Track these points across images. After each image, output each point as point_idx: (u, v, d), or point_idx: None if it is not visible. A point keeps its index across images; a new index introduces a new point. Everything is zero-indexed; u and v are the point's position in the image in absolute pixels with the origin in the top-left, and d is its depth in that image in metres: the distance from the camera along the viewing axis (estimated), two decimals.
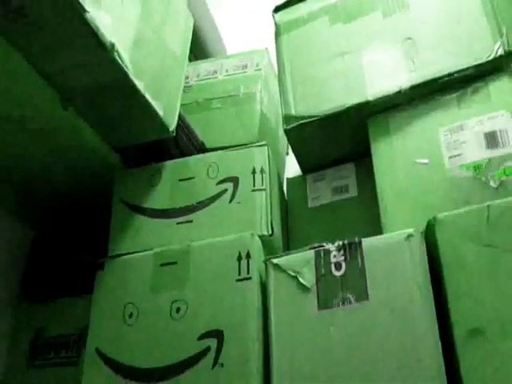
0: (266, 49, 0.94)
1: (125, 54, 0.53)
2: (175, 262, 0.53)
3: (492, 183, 0.51)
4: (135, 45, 0.57)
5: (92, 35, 0.49)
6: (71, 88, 0.57)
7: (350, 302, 0.44)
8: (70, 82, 0.56)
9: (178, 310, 0.50)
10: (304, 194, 0.70)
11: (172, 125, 0.64)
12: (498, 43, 0.57)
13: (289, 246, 0.65)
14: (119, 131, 0.64)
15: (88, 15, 0.47)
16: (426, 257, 0.45)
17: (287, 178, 0.75)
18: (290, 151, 0.92)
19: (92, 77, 0.55)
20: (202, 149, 0.76)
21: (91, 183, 0.67)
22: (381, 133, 0.62)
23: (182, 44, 0.72)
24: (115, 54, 0.51)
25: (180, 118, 0.71)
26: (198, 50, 1.28)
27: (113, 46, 0.51)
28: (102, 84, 0.56)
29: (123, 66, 0.53)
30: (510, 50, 0.57)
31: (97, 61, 0.52)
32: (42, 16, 0.47)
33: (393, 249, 0.45)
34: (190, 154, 0.69)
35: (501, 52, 0.57)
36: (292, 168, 0.81)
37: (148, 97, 0.58)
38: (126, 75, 0.54)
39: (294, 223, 0.68)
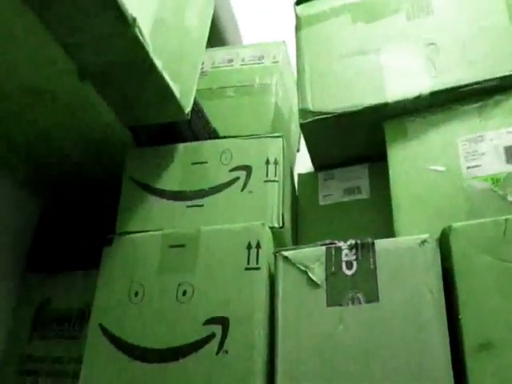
0: (284, 42, 0.93)
1: (146, 30, 0.53)
2: (184, 245, 0.53)
3: (510, 197, 0.51)
4: (155, 24, 0.56)
5: (115, 7, 0.48)
6: (90, 61, 0.56)
7: (360, 302, 0.44)
8: (88, 56, 0.55)
9: (185, 292, 0.50)
10: (315, 191, 0.70)
11: (187, 107, 0.63)
12: None
13: (297, 242, 0.65)
14: (134, 110, 0.64)
15: None
16: (439, 263, 0.44)
17: (299, 174, 0.75)
18: (301, 148, 0.92)
19: (111, 51, 0.54)
20: (214, 136, 0.75)
21: (102, 159, 0.67)
22: (398, 137, 0.62)
23: (201, 28, 0.71)
24: (136, 28, 0.50)
25: (194, 102, 0.70)
26: (214, 37, 1.27)
27: (134, 20, 0.50)
28: (120, 60, 0.55)
29: (143, 41, 0.52)
30: None
31: (117, 35, 0.51)
32: None
33: (406, 253, 0.45)
34: (203, 139, 0.68)
35: None
36: (301, 166, 0.81)
37: (166, 76, 0.57)
38: (145, 52, 0.53)
39: (303, 219, 0.68)
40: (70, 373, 0.58)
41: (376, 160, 0.69)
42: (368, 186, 0.67)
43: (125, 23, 0.50)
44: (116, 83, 0.59)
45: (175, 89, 0.60)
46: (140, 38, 0.52)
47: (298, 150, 0.92)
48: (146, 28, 0.53)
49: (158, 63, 0.56)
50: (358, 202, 0.66)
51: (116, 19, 0.50)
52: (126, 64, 0.56)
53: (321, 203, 0.68)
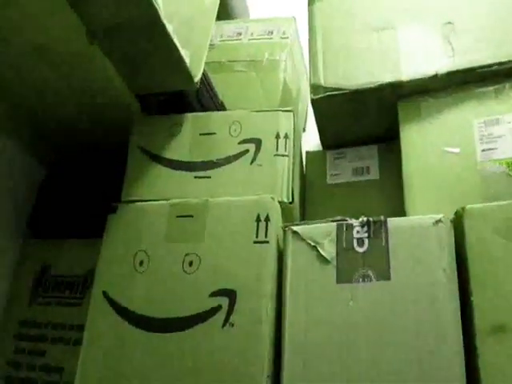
0: (294, 17, 0.91)
1: None
2: (191, 216, 0.52)
3: None
4: None
5: None
6: (99, 21, 0.54)
7: (371, 280, 0.43)
8: (99, 16, 0.53)
9: (191, 263, 0.49)
10: (323, 170, 0.69)
11: (197, 76, 0.62)
12: None
13: (304, 220, 0.64)
14: (143, 76, 0.62)
15: None
16: (453, 243, 0.44)
17: (307, 152, 0.74)
18: (308, 128, 0.91)
19: (123, 12, 0.53)
20: (221, 109, 0.74)
21: (108, 126, 0.65)
22: (411, 116, 0.60)
23: None
24: None
25: (203, 73, 0.68)
26: (221, 10, 1.24)
27: None
28: (132, 21, 0.53)
29: (154, 2, 0.50)
30: None
31: None
32: None
33: (419, 232, 0.44)
34: (211, 111, 0.67)
35: None
36: (307, 146, 0.80)
37: (176, 41, 0.56)
38: (156, 13, 0.52)
39: (311, 197, 0.67)
40: (71, 339, 0.58)
41: (386, 141, 0.68)
42: (377, 166, 0.66)
43: None
44: (125, 46, 0.57)
45: (185, 55, 0.59)
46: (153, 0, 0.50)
47: (303, 130, 0.91)
48: None
49: (169, 27, 0.55)
50: (367, 183, 0.65)
51: None
52: (137, 26, 0.54)
53: (329, 182, 0.67)
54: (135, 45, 0.57)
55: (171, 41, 0.56)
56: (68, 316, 0.59)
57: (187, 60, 0.60)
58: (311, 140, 0.80)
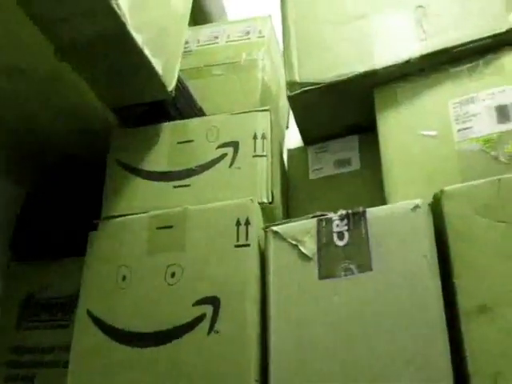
0: (270, 16, 0.91)
1: (124, 5, 0.51)
2: (171, 226, 0.52)
3: (502, 158, 0.49)
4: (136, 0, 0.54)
5: None
6: (67, 38, 0.54)
7: (353, 273, 0.43)
8: (65, 32, 0.53)
9: (173, 274, 0.49)
10: (305, 166, 0.68)
11: (171, 85, 0.62)
12: None
13: (288, 218, 0.63)
14: (116, 89, 0.62)
15: None
16: (432, 228, 0.43)
17: (288, 149, 0.73)
18: (291, 125, 0.90)
19: (89, 27, 0.53)
20: (200, 114, 0.74)
21: (86, 142, 0.65)
22: (388, 103, 0.60)
23: (183, 3, 0.69)
24: (113, 2, 0.49)
25: (179, 80, 0.68)
26: (199, 14, 1.24)
27: None
28: (99, 36, 0.54)
29: (121, 15, 0.50)
30: None
31: (95, 9, 0.50)
32: None
33: (398, 219, 0.44)
34: (190, 118, 0.66)
35: None
36: (291, 143, 0.79)
37: (147, 52, 0.56)
38: (123, 26, 0.52)
39: (294, 195, 0.67)
40: (60, 362, 0.57)
41: (367, 130, 0.67)
42: (358, 157, 0.66)
43: None
44: (95, 61, 0.58)
45: (157, 65, 0.59)
46: (117, 11, 0.51)
47: (287, 127, 0.90)
48: (125, 2, 0.51)
49: (138, 38, 0.55)
50: (349, 174, 0.65)
51: None
52: (105, 40, 0.54)
53: (311, 177, 0.67)
54: (105, 58, 0.57)
55: (141, 52, 0.56)
56: (57, 338, 0.58)
57: (159, 69, 0.60)
58: (295, 137, 0.80)
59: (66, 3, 0.49)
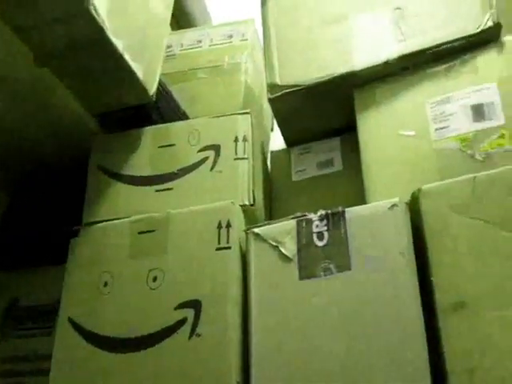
0: (253, 19, 0.91)
1: (102, 10, 0.51)
2: (153, 230, 0.51)
3: (478, 156, 0.50)
4: (114, 3, 0.54)
5: None
6: (46, 45, 0.54)
7: (332, 272, 0.43)
8: (44, 39, 0.53)
9: (155, 278, 0.49)
10: (288, 168, 0.69)
11: (152, 89, 0.62)
12: (488, 15, 0.56)
13: (272, 219, 0.64)
14: (97, 94, 0.62)
15: None
16: (409, 226, 0.44)
17: (271, 151, 0.74)
18: (276, 127, 0.90)
19: (69, 34, 0.53)
20: (184, 118, 0.74)
21: (67, 148, 0.65)
22: (367, 104, 0.61)
23: (164, 5, 0.69)
24: (91, 7, 0.49)
25: (161, 84, 0.68)
26: (183, 18, 1.24)
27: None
28: (78, 41, 0.54)
29: (99, 21, 0.50)
30: (498, 22, 0.56)
31: (73, 15, 0.50)
32: None
33: (376, 218, 0.45)
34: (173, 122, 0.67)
35: (490, 24, 0.56)
36: (277, 145, 0.80)
37: (127, 57, 0.56)
38: (103, 32, 0.52)
39: (277, 197, 0.67)
40: (46, 371, 0.57)
41: (349, 131, 0.68)
42: (340, 157, 0.66)
43: (79, 2, 0.48)
44: (75, 67, 0.58)
45: (137, 69, 0.59)
46: (96, 16, 0.50)
47: (271, 130, 0.91)
48: (103, 7, 0.51)
49: (118, 44, 0.55)
50: (332, 175, 0.65)
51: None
52: (85, 46, 0.54)
53: (294, 179, 0.67)
54: (86, 64, 0.57)
55: (121, 57, 0.56)
56: (41, 346, 0.58)
57: (140, 74, 0.60)
58: (281, 139, 0.80)
59: (41, 10, 0.49)
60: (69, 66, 0.57)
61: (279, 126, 0.71)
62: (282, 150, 0.72)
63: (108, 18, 0.52)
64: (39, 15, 0.50)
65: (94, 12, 0.50)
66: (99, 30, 0.52)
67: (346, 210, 0.46)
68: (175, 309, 0.47)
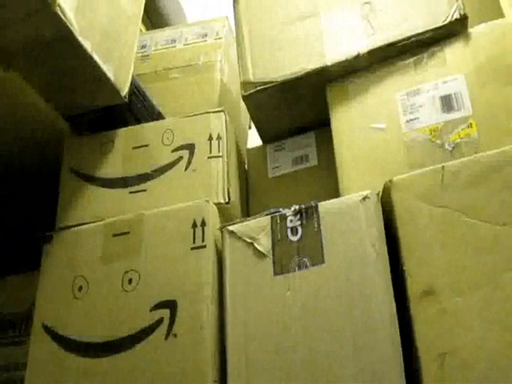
0: (227, 17, 0.91)
1: (69, 11, 0.50)
2: (128, 232, 0.51)
3: (447, 146, 0.51)
4: (83, 3, 0.53)
5: None
6: (12, 47, 0.53)
7: (306, 266, 0.44)
8: (10, 40, 0.52)
9: (130, 281, 0.48)
10: (264, 165, 0.69)
11: (124, 90, 0.61)
12: (454, 7, 0.57)
13: (250, 216, 0.64)
14: (67, 96, 0.61)
15: None
16: (381, 217, 0.44)
17: (247, 149, 0.74)
18: (253, 125, 0.91)
19: (34, 34, 0.52)
20: (159, 118, 0.73)
21: (38, 152, 0.64)
22: (339, 98, 0.61)
23: (135, 5, 0.68)
24: (57, 8, 0.48)
25: (135, 84, 0.68)
26: (157, 18, 1.23)
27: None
28: (45, 43, 0.53)
29: (67, 22, 0.49)
30: (465, 14, 0.57)
31: (38, 16, 0.49)
32: None
33: (348, 210, 0.45)
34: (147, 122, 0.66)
35: (456, 16, 0.57)
36: (254, 142, 0.80)
37: (96, 58, 0.55)
38: (70, 33, 0.51)
39: (254, 194, 0.67)
40: (17, 380, 0.56)
41: (324, 126, 0.68)
42: (316, 153, 0.67)
43: (44, 3, 0.48)
44: (44, 68, 0.57)
45: (108, 70, 0.58)
46: (63, 17, 0.50)
47: (249, 127, 0.91)
48: (70, 8, 0.51)
49: (87, 44, 0.54)
50: (307, 170, 0.66)
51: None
52: (53, 47, 0.53)
53: (270, 176, 0.68)
54: (55, 66, 0.56)
55: (90, 57, 0.55)
56: (13, 355, 0.57)
57: (111, 75, 0.59)
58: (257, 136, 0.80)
59: (4, 9, 0.48)
60: (36, 68, 0.56)
61: (254, 123, 0.71)
62: (258, 146, 0.72)
63: (76, 20, 0.51)
64: (5, 15, 0.49)
65: (60, 13, 0.49)
66: (67, 32, 0.51)
67: (319, 204, 0.47)
68: (151, 310, 0.46)
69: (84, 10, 0.53)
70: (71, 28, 0.51)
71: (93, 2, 0.56)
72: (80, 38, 0.53)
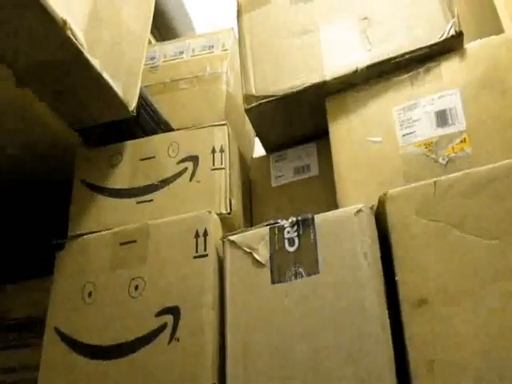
0: (232, 28, 0.93)
1: (79, 31, 0.53)
2: (135, 241, 0.54)
3: (441, 160, 0.53)
4: (91, 22, 0.56)
5: (42, 11, 0.48)
6: (26, 66, 0.56)
7: (302, 276, 0.46)
8: (24, 60, 0.55)
9: (137, 287, 0.51)
10: (268, 174, 0.71)
11: (132, 104, 0.63)
12: (450, 24, 0.59)
13: (253, 226, 0.66)
14: (77, 111, 0.64)
15: None
16: (374, 228, 0.46)
17: (251, 158, 0.76)
18: None
19: (46, 55, 0.54)
20: (166, 129, 0.76)
21: (50, 163, 0.67)
22: (338, 112, 0.63)
23: (142, 22, 0.71)
24: (68, 31, 0.51)
25: (142, 97, 0.70)
26: (166, 30, 1.26)
27: (65, 22, 0.50)
28: (56, 62, 0.55)
29: (77, 43, 0.52)
30: (460, 31, 0.58)
31: (50, 38, 0.52)
32: None
33: (343, 223, 0.47)
34: (155, 134, 0.69)
35: (452, 32, 0.58)
36: (262, 150, 0.82)
37: (105, 75, 0.58)
38: (80, 53, 0.54)
39: (257, 202, 0.69)
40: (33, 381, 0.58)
41: (326, 136, 0.70)
42: (317, 163, 0.69)
43: (55, 26, 0.50)
44: (55, 86, 0.59)
45: (116, 87, 0.61)
46: (73, 39, 0.52)
47: (255, 135, 0.93)
48: (79, 28, 0.53)
49: (96, 63, 0.56)
50: (308, 180, 0.68)
51: (46, 23, 0.50)
52: (63, 66, 0.56)
53: (273, 185, 0.70)
54: (65, 84, 0.59)
55: (99, 75, 0.58)
56: (17, 359, 0.59)
57: (119, 91, 0.61)
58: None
59: (14, 33, 0.50)
60: (48, 86, 0.59)
61: (257, 134, 0.73)
62: (262, 156, 0.75)
63: (85, 39, 0.54)
64: (19, 39, 0.52)
65: (71, 35, 0.51)
66: (77, 52, 0.53)
67: (316, 216, 0.49)
68: (156, 316, 0.49)
69: (92, 30, 0.55)
70: (81, 48, 0.53)
71: (100, 23, 0.59)
72: (89, 57, 0.55)
